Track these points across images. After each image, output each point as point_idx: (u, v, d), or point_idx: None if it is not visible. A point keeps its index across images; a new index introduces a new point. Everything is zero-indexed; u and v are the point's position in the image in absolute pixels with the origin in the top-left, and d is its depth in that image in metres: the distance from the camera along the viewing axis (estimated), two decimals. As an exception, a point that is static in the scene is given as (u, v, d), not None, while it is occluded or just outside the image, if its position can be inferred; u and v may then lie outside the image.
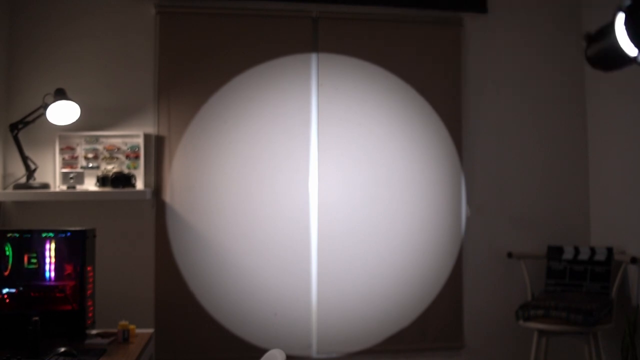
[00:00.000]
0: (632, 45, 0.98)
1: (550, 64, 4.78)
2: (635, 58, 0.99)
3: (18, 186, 3.96)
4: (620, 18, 0.99)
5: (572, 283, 4.32)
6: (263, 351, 2.75)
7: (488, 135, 4.68)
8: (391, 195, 4.47)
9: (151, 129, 4.26)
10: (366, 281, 4.41)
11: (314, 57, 4.45)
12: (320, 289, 4.36)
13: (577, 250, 4.37)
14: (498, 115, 4.70)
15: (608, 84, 4.52)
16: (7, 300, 3.10)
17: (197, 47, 4.33)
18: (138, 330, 3.19)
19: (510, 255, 4.53)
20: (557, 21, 4.82)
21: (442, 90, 4.60)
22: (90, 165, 4.15)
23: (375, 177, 4.46)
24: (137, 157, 4.20)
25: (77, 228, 3.20)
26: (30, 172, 4.01)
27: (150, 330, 3.35)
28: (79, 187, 4.06)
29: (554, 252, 4.46)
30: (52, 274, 3.12)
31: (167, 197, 4.22)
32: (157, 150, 4.25)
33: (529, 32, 4.79)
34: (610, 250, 4.26)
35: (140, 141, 4.21)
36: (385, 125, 4.49)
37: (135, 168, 4.18)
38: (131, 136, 4.22)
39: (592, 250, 4.32)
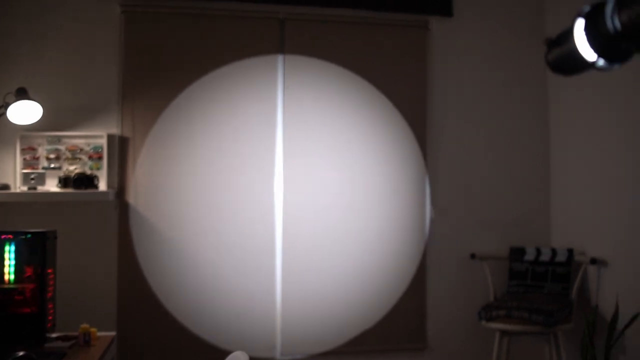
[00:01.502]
0: (591, 50, 1.00)
1: (514, 67, 4.85)
2: (593, 63, 1.01)
3: (-23, 187, 3.90)
4: (580, 24, 1.01)
5: (534, 284, 4.38)
6: (227, 353, 2.74)
7: (452, 137, 4.73)
8: (356, 196, 4.49)
9: (115, 130, 4.22)
10: (331, 282, 4.42)
11: (280, 58, 4.44)
12: (284, 290, 4.36)
13: (538, 252, 4.44)
14: (462, 117, 4.75)
15: (570, 89, 4.60)
16: (-35, 303, 3.03)
17: (162, 47, 4.30)
18: (100, 333, 3.15)
19: (473, 256, 4.58)
20: (521, 26, 4.88)
21: (408, 93, 4.63)
22: (52, 165, 4.09)
23: (341, 179, 4.48)
24: (100, 158, 4.15)
25: (38, 229, 3.15)
26: (-11, 173, 3.95)
27: (112, 333, 3.30)
28: (40, 188, 4.00)
29: (516, 253, 4.52)
30: (12, 277, 3.07)
31: (131, 198, 4.18)
32: (120, 151, 4.21)
33: (493, 36, 4.85)
34: (570, 252, 4.33)
35: (103, 142, 4.16)
36: (351, 127, 4.51)
37: (98, 169, 4.13)
38: (94, 137, 4.17)
39: (553, 252, 4.39)
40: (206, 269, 4.26)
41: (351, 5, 4.56)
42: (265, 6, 4.44)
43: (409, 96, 4.63)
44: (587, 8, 1.01)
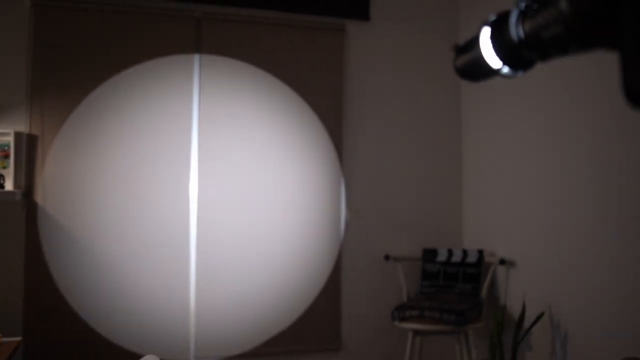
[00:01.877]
0: (496, 58, 1.03)
1: (429, 72, 4.95)
2: (498, 70, 1.04)
3: None
4: (486, 32, 1.03)
5: (446, 284, 4.48)
6: (139, 357, 2.69)
7: (368, 140, 4.78)
8: (272, 198, 4.48)
9: (23, 127, 4.07)
10: (246, 284, 4.40)
11: (196, 58, 4.39)
12: (199, 292, 4.31)
13: (450, 253, 4.54)
14: (378, 120, 4.82)
15: (482, 94, 4.73)
16: None
17: (74, 43, 4.17)
18: (4, 339, 3.04)
19: (387, 257, 4.65)
20: (436, 31, 4.99)
21: (325, 95, 4.66)
22: (-45, 164, 3.91)
23: (257, 180, 4.46)
24: (6, 157, 3.99)
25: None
26: None
27: (18, 339, 3.19)
28: (-59, 187, 3.82)
29: (429, 254, 4.61)
30: None
31: (39, 198, 4.04)
32: (28, 150, 4.06)
33: (409, 40, 4.93)
34: (480, 253, 4.45)
35: (10, 140, 4.01)
36: (268, 128, 4.50)
37: (4, 168, 3.97)
38: (1, 134, 4.01)
39: (464, 253, 4.50)
40: (118, 271, 4.16)
41: (268, 7, 4.56)
42: (181, 4, 4.38)
43: (325, 98, 4.66)
44: (493, 17, 1.04)
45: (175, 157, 4.31)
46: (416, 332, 4.23)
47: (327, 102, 4.66)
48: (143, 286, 4.20)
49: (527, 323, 3.99)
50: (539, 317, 3.87)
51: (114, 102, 4.20)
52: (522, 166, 4.24)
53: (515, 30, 0.97)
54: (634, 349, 3.08)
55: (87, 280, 4.10)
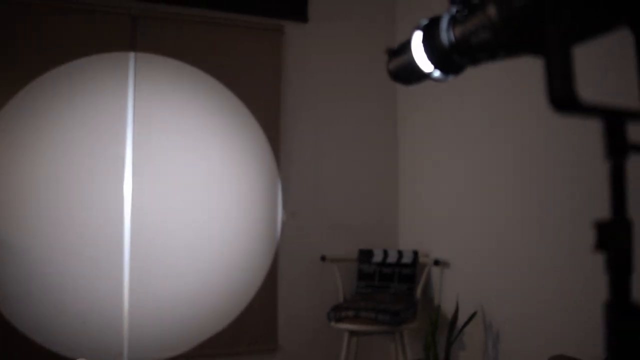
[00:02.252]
0: (427, 61, 1.05)
1: (366, 74, 4.99)
2: (430, 74, 1.05)
3: None
4: (418, 36, 1.05)
5: (381, 285, 4.52)
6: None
7: (305, 141, 4.79)
8: (208, 199, 4.44)
9: (-52, 124, 3.93)
10: (181, 286, 4.35)
11: (131, 56, 4.32)
12: (132, 295, 4.23)
13: (385, 254, 4.58)
14: (315, 121, 4.83)
15: (417, 96, 4.79)
16: None
17: (2, 39, 4.04)
18: None
19: (323, 258, 4.66)
20: (374, 33, 5.04)
21: (262, 96, 4.64)
22: None
23: (193, 181, 4.41)
24: None
25: None
26: None
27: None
28: None
29: (365, 255, 4.64)
30: None
31: (-35, 198, 3.91)
32: (-46, 148, 3.92)
33: (347, 42, 4.97)
34: (415, 253, 4.51)
35: None
36: (204, 128, 4.46)
37: None
38: None
39: (400, 253, 4.55)
40: (49, 274, 4.05)
41: (206, 6, 4.52)
42: (116, 1, 4.30)
43: (263, 99, 4.65)
44: (425, 21, 1.06)
45: (109, 157, 4.23)
46: (352, 333, 4.25)
47: (265, 103, 4.65)
48: (74, 288, 4.10)
49: (460, 322, 4.06)
50: (471, 317, 3.94)
51: (45, 100, 4.09)
52: (456, 169, 4.31)
53: (446, 35, 0.98)
54: (562, 347, 3.17)
55: (15, 282, 3.98)
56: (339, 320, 4.15)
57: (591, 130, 2.98)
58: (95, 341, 4.13)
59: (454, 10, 0.97)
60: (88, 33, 4.23)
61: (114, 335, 4.19)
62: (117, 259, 4.22)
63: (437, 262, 4.37)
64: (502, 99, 3.82)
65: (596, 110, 0.57)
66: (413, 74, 1.09)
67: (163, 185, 4.34)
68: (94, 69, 4.22)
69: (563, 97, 0.54)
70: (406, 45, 1.09)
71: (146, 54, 4.35)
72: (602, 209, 2.77)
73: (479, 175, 4.04)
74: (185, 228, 4.38)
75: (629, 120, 0.60)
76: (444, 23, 0.99)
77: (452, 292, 4.31)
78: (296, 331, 4.66)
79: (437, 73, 1.05)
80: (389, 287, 4.49)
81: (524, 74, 3.55)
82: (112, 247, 4.21)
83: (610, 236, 0.66)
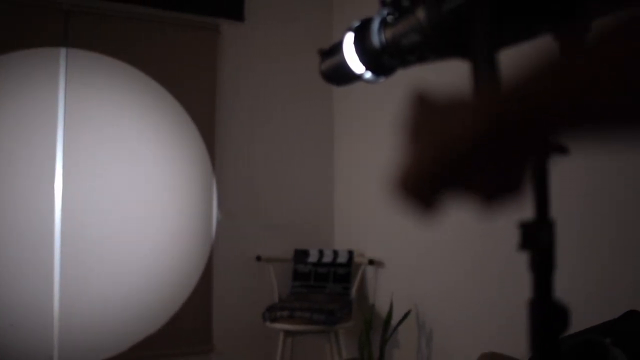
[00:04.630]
0: (359, 63, 1.05)
1: (302, 73, 4.99)
2: (361, 75, 1.06)
3: None
4: (349, 37, 1.05)
5: (317, 284, 4.53)
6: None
7: (241, 140, 4.77)
8: (142, 198, 4.37)
9: None
10: (114, 286, 4.26)
11: (63, 52, 4.21)
12: (63, 297, 4.12)
13: (321, 253, 4.60)
14: (251, 121, 4.81)
15: (353, 95, 4.83)
16: None
17: None
18: None
19: (259, 258, 4.65)
20: (310, 34, 5.05)
21: (197, 94, 4.60)
22: None
23: (126, 180, 4.34)
24: None
25: None
26: None
27: None
28: None
29: (300, 255, 4.65)
30: None
31: None
32: None
33: (283, 42, 4.97)
34: (351, 253, 4.54)
35: None
36: (138, 127, 4.39)
37: None
38: None
39: (335, 253, 4.58)
40: (-26, 276, 3.92)
41: (141, 2, 4.44)
42: (47, -4, 4.20)
43: (198, 98, 4.60)
44: (356, 23, 1.06)
45: (39, 155, 4.11)
46: (287, 333, 4.25)
47: (200, 101, 4.61)
48: (1, 290, 3.97)
49: (394, 321, 4.11)
50: (405, 316, 4.00)
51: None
52: (390, 169, 4.35)
53: (377, 37, 0.99)
54: (492, 344, 3.24)
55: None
56: (274, 320, 4.14)
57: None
58: (23, 345, 4.00)
59: (385, 12, 0.98)
60: (17, 27, 4.10)
61: (43, 338, 4.07)
62: (47, 260, 4.10)
63: (371, 262, 4.41)
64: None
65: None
66: (344, 75, 1.09)
67: (95, 184, 4.25)
68: (23, 64, 4.09)
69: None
70: (338, 47, 1.09)
71: (79, 50, 4.25)
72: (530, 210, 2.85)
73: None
74: (119, 228, 4.30)
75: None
76: (375, 25, 1.00)
77: (386, 291, 4.36)
78: (231, 332, 4.63)
79: (368, 74, 1.06)
80: (325, 287, 4.51)
81: (455, 75, 3.62)
82: (42, 247, 4.09)
83: (533, 236, 0.68)
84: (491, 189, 0.55)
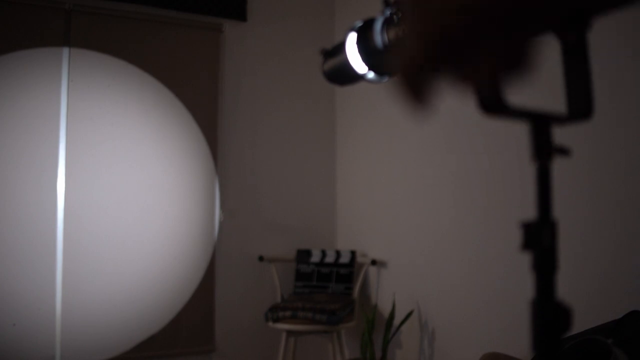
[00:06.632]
0: (362, 63, 1.05)
1: (305, 74, 4.99)
2: (364, 75, 1.06)
3: None
4: (352, 37, 1.05)
5: (319, 284, 4.53)
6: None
7: (243, 140, 4.77)
8: (144, 198, 4.38)
9: None
10: (116, 287, 4.27)
11: (65, 51, 4.22)
12: (65, 296, 4.13)
13: (323, 254, 4.60)
14: (254, 121, 4.81)
15: (355, 98, 4.83)
16: None
17: None
18: None
19: (261, 258, 4.65)
20: (313, 34, 5.05)
21: (200, 94, 4.60)
22: None
23: (129, 180, 4.34)
24: None
25: None
26: None
27: None
28: None
29: (303, 255, 4.65)
30: None
31: None
32: None
33: (286, 42, 4.96)
34: (353, 253, 4.54)
35: None
36: (141, 126, 4.39)
37: None
38: None
39: (338, 253, 4.57)
40: (-23, 275, 3.92)
41: (143, 2, 4.44)
42: (49, -4, 4.20)
43: (201, 98, 4.60)
44: (359, 23, 1.06)
45: (42, 155, 4.12)
46: (289, 333, 4.25)
47: (203, 101, 4.61)
48: (4, 290, 3.98)
49: (397, 321, 4.11)
50: (407, 316, 3.99)
51: (-27, 96, 3.96)
52: (393, 170, 4.36)
53: (380, 37, 0.99)
54: (495, 345, 3.24)
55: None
56: (276, 320, 4.14)
57: (519, 135, 3.05)
58: (26, 345, 4.01)
59: (388, 12, 0.98)
60: (19, 27, 4.10)
61: (46, 337, 4.08)
62: (49, 259, 4.11)
63: (374, 262, 4.41)
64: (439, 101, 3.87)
65: (523, 113, 0.58)
66: (347, 75, 1.09)
67: (97, 183, 4.25)
68: (26, 64, 4.10)
69: (491, 101, 0.55)
70: (340, 47, 1.09)
71: (81, 49, 4.26)
72: (533, 210, 2.85)
73: (415, 176, 4.10)
74: (121, 227, 4.30)
75: (554, 124, 0.62)
76: (378, 25, 1.00)
77: (388, 291, 4.35)
78: (233, 332, 4.63)
79: (371, 74, 1.06)
80: (327, 287, 4.51)
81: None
82: (44, 247, 4.10)
83: (536, 236, 0.68)
84: (496, 64, 0.49)
